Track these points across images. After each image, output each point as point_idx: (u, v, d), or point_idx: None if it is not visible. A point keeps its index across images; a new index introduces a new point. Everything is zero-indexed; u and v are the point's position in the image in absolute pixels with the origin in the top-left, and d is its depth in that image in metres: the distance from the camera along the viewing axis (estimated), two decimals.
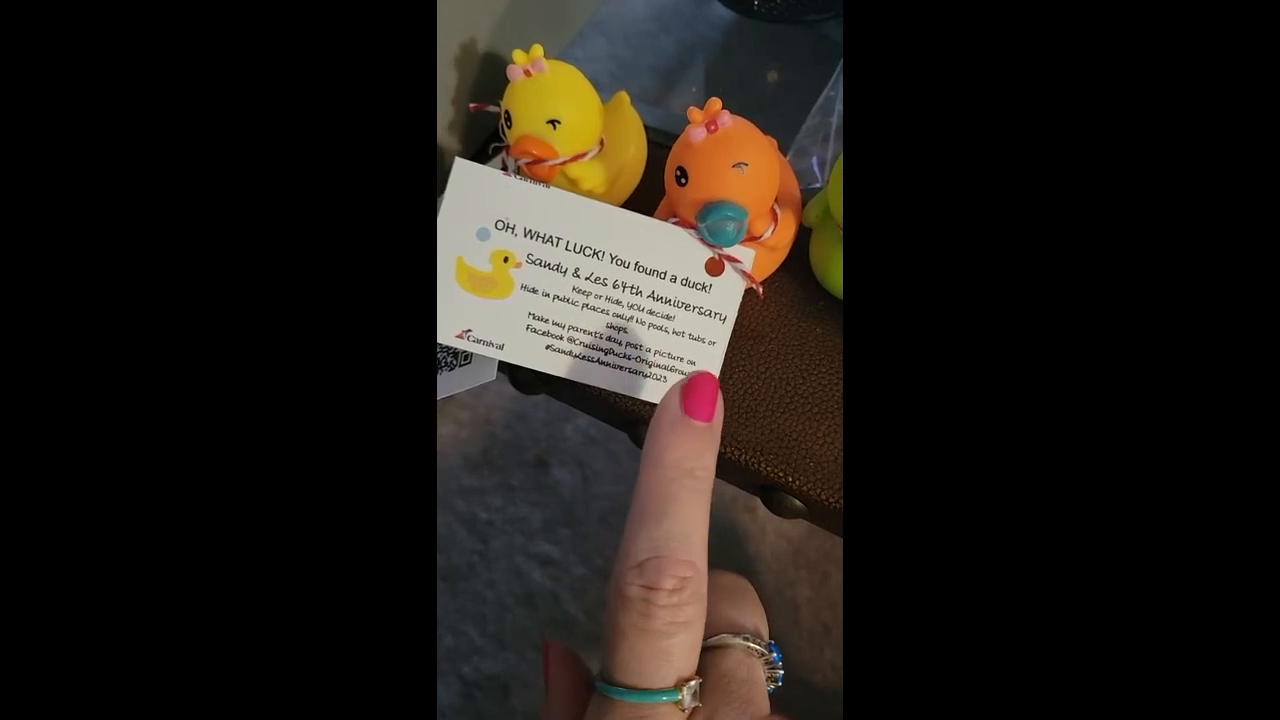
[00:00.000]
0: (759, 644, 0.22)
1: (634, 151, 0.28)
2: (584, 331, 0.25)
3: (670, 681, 0.20)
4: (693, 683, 0.20)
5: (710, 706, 0.20)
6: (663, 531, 0.20)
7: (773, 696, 0.22)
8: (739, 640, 0.22)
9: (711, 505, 0.21)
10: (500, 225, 0.25)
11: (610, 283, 0.25)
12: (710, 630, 0.22)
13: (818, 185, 0.30)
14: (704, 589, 0.21)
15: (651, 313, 0.25)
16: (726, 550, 0.50)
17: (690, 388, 0.22)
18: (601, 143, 0.27)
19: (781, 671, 0.23)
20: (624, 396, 0.26)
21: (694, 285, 0.25)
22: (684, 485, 0.21)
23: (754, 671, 0.22)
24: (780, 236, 0.26)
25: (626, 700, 0.20)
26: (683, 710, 0.20)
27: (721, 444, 0.26)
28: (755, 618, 0.24)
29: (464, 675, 0.50)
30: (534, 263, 0.25)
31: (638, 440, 0.28)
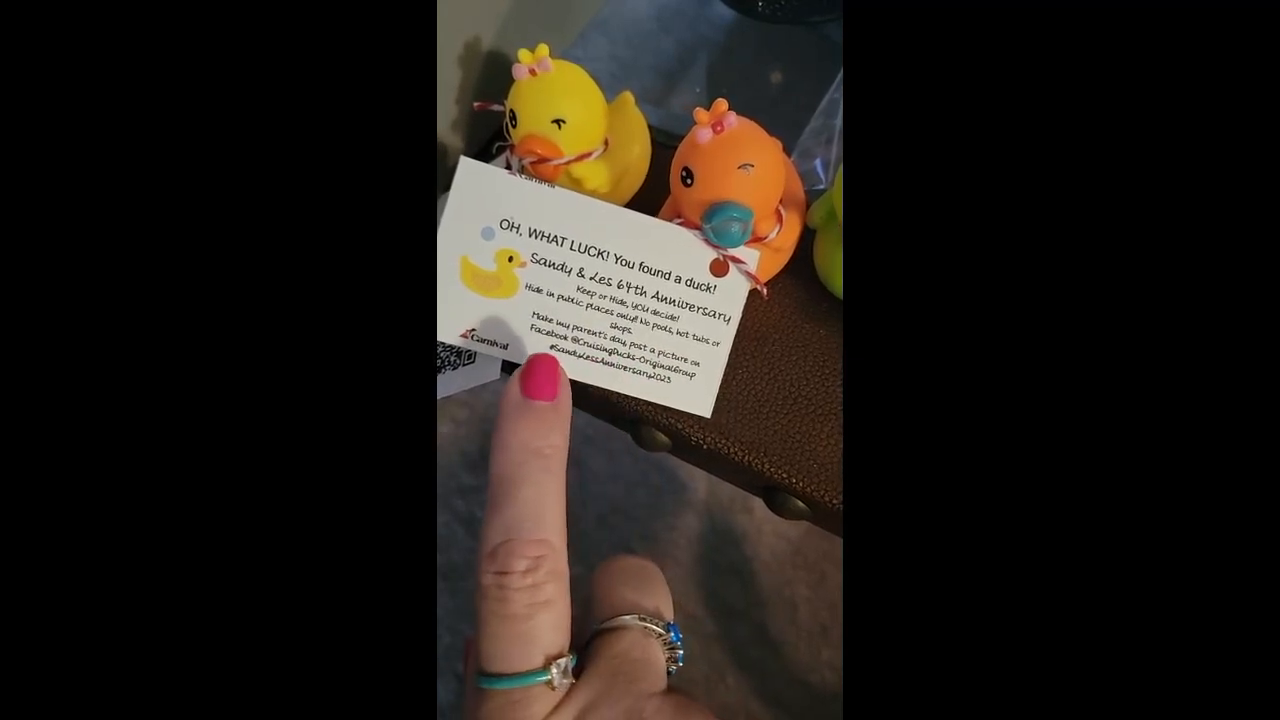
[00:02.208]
0: (657, 625, 0.22)
1: (638, 151, 0.28)
2: (588, 332, 0.25)
3: (538, 662, 0.20)
4: (563, 660, 0.20)
5: (599, 686, 0.20)
6: (512, 514, 0.20)
7: (672, 677, 0.22)
8: (635, 621, 0.22)
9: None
10: (505, 224, 0.25)
11: (614, 283, 0.25)
12: (609, 612, 0.22)
13: (822, 187, 0.30)
14: (562, 565, 0.20)
15: (655, 313, 0.25)
16: (724, 550, 0.50)
17: (528, 370, 0.22)
18: (606, 143, 0.27)
19: (681, 652, 0.23)
20: (627, 397, 0.26)
21: (698, 286, 0.25)
22: (532, 466, 0.21)
23: (650, 652, 0.22)
24: (785, 238, 0.26)
25: (496, 688, 0.19)
26: (553, 688, 0.20)
27: (725, 444, 0.26)
28: (656, 599, 0.24)
29: (463, 675, 0.49)
30: (538, 262, 0.25)
31: (640, 441, 0.28)
